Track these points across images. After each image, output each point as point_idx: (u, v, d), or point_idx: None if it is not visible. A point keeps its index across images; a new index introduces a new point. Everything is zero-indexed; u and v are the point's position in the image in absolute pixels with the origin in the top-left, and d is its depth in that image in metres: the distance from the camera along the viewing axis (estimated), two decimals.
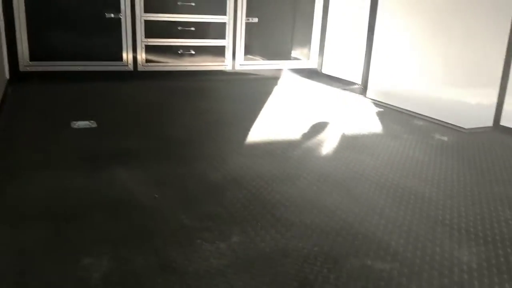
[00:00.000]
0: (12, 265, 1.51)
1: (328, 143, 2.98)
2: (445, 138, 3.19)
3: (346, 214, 2.00)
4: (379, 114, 3.78)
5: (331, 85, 4.71)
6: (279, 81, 4.83)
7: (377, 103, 4.08)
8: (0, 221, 1.80)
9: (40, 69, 4.15)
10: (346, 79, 4.81)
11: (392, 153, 2.84)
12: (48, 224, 1.79)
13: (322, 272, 1.56)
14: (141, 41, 4.45)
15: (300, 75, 5.11)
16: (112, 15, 4.27)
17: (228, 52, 4.85)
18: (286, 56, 5.17)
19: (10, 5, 3.93)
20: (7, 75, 3.96)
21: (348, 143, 3.01)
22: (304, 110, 3.75)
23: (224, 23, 4.75)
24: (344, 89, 4.52)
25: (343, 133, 3.20)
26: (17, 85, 3.92)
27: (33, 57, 4.11)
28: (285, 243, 1.74)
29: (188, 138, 2.93)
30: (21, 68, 4.08)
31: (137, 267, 1.54)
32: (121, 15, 4.29)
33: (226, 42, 4.81)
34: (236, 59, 4.89)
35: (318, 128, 3.32)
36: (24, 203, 1.96)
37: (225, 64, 4.87)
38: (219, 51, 4.82)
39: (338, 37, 5.01)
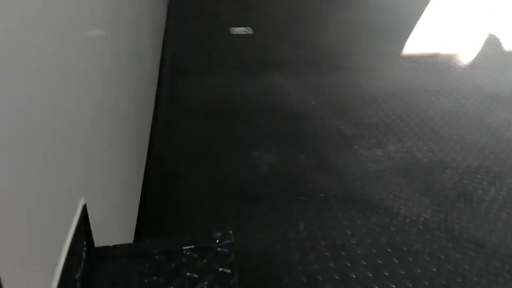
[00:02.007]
0: (193, 150, 1.78)
1: (494, 59, 2.74)
2: None
3: None
4: None
5: None
6: None
7: None
8: (176, 115, 2.08)
9: None
10: None
11: None
12: (216, 122, 2.02)
13: (482, 185, 1.55)
14: None
15: None
16: None
17: None
18: None
19: None
20: None
21: None
22: (466, 22, 3.43)
23: None
24: None
25: (510, 49, 2.91)
26: None
27: None
28: (443, 155, 1.74)
29: (340, 48, 2.92)
30: None
31: (299, 163, 1.70)
32: None
33: None
34: None
35: (483, 41, 3.05)
36: (194, 102, 2.21)
37: None
38: None
39: None
